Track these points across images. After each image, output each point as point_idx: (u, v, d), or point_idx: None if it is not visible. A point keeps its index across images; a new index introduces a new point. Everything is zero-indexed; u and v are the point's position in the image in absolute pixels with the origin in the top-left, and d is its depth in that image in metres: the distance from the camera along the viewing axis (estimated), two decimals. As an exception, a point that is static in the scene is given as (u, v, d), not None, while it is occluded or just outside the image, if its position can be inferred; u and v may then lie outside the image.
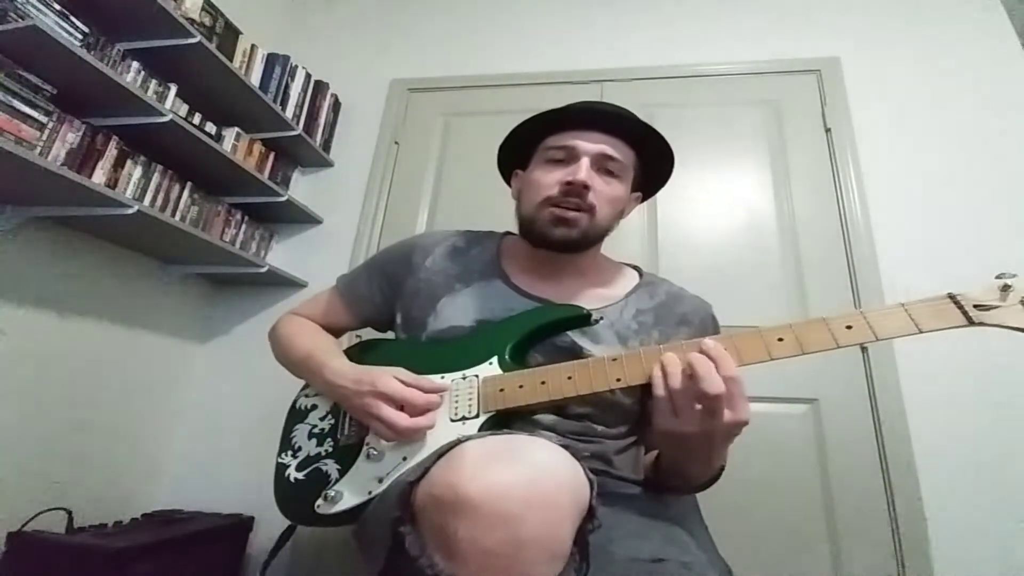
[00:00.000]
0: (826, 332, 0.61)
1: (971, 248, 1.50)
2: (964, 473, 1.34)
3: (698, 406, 0.58)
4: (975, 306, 0.59)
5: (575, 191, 0.77)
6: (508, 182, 0.95)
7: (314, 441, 0.79)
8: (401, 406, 0.68)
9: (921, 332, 0.59)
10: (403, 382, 0.69)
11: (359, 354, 0.85)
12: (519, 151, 0.89)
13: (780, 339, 0.62)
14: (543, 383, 0.68)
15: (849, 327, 0.61)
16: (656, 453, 0.77)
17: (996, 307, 0.58)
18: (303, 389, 0.88)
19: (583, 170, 0.77)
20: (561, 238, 0.79)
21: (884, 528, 1.33)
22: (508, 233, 0.96)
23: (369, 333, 1.01)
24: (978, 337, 1.39)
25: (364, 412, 0.69)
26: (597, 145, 0.79)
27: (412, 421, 0.66)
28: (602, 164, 0.80)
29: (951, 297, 0.60)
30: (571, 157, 0.80)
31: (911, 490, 1.34)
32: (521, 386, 0.68)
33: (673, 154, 0.86)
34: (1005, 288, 0.59)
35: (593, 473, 0.51)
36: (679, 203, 1.71)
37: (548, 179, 0.80)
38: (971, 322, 0.59)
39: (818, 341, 0.62)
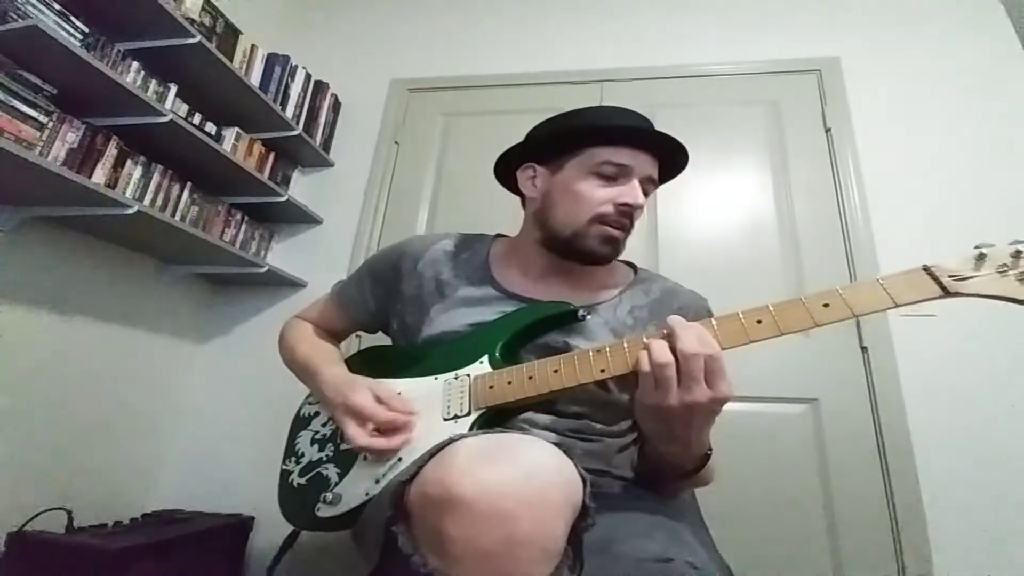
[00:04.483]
0: (804, 311, 0.61)
1: (972, 248, 1.49)
2: (964, 473, 1.34)
3: (678, 377, 0.58)
4: (950, 276, 0.58)
5: (630, 214, 0.78)
6: (512, 168, 0.89)
7: (316, 447, 0.80)
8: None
9: (897, 305, 0.58)
10: (377, 397, 0.70)
11: (360, 360, 0.86)
12: (535, 144, 0.86)
13: (759, 321, 0.62)
14: (530, 378, 0.68)
15: (826, 305, 0.60)
16: (641, 445, 0.77)
17: (972, 277, 0.57)
18: (307, 397, 0.88)
19: (640, 194, 0.77)
20: (606, 256, 0.80)
21: (884, 528, 1.33)
22: (499, 236, 0.96)
23: (372, 337, 1.01)
24: (979, 336, 1.40)
25: (338, 424, 0.72)
26: (648, 169, 0.80)
27: (369, 442, 0.68)
28: (645, 187, 0.80)
29: (926, 269, 0.59)
30: (623, 175, 0.78)
31: (911, 490, 1.34)
32: (509, 382, 0.68)
33: (684, 167, 0.87)
34: (981, 257, 0.58)
35: (594, 473, 0.51)
36: (679, 203, 1.72)
37: (599, 195, 0.78)
38: (947, 292, 0.57)
39: (796, 321, 0.61)
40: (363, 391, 0.71)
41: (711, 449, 0.69)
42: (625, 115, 0.82)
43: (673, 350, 0.58)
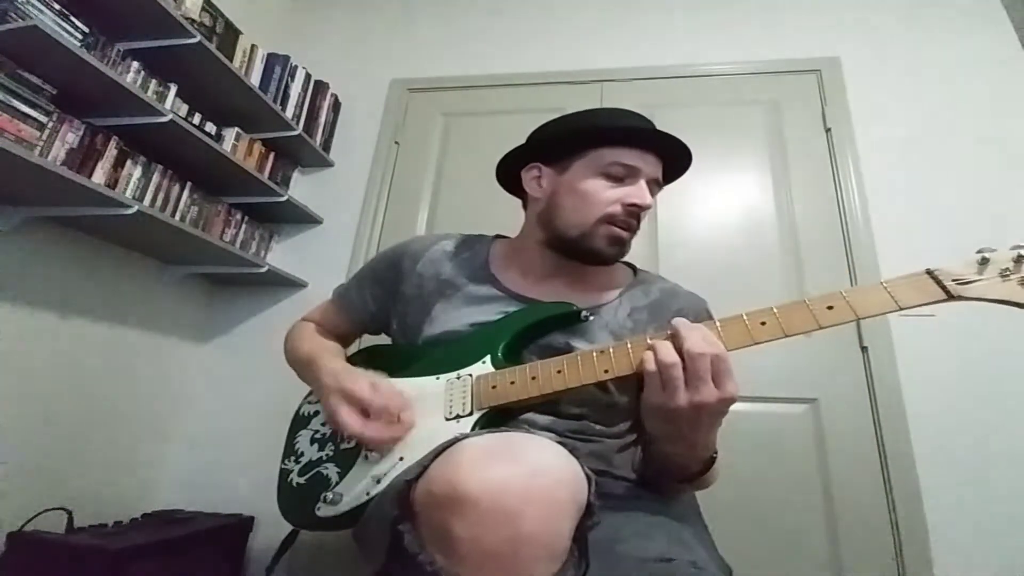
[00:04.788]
0: (807, 313, 0.61)
1: (973, 249, 1.49)
2: (964, 472, 1.35)
3: (684, 377, 0.58)
4: (954, 280, 0.58)
5: (638, 214, 0.79)
6: (514, 168, 0.89)
7: (316, 446, 0.79)
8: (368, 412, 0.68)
9: (901, 309, 0.59)
10: (374, 386, 0.69)
11: (360, 360, 0.86)
12: (541, 144, 0.86)
13: (763, 323, 0.62)
14: (533, 378, 0.67)
15: (830, 307, 0.61)
16: (646, 447, 0.76)
17: (975, 281, 0.58)
18: (306, 396, 0.88)
19: (648, 195, 0.78)
20: (613, 256, 0.80)
21: (884, 528, 1.34)
22: (498, 236, 0.96)
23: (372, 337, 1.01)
24: (979, 337, 1.41)
25: (329, 411, 0.70)
26: (655, 170, 0.80)
27: (363, 428, 0.66)
28: (651, 188, 0.80)
29: (929, 272, 0.59)
30: (630, 176, 0.79)
31: (911, 490, 1.35)
32: (512, 382, 0.68)
33: (686, 170, 0.88)
34: (984, 261, 0.58)
35: (596, 474, 0.51)
36: (679, 203, 1.72)
37: (607, 195, 0.78)
38: (950, 296, 0.58)
39: (800, 323, 0.61)
40: (362, 379, 0.70)
41: (717, 452, 0.69)
42: (631, 117, 0.83)
43: (679, 350, 0.58)
